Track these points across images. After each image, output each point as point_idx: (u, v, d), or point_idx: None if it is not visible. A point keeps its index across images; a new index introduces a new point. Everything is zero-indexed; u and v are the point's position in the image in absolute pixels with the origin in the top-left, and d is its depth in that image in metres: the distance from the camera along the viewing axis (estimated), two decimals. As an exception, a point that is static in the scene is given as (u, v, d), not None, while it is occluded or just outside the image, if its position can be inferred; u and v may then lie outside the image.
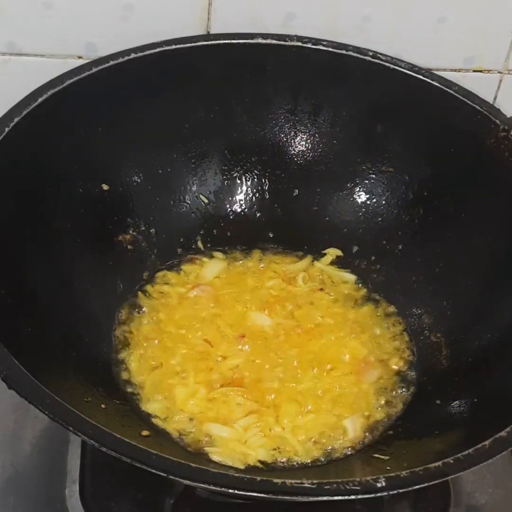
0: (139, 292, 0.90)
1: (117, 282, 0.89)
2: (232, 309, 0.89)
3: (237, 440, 0.79)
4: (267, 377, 0.84)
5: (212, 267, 0.93)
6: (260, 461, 0.77)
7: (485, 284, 0.86)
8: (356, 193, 0.96)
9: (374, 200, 0.95)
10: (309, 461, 0.79)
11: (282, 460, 0.78)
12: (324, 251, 0.96)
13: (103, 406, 0.74)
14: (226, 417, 0.80)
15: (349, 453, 0.80)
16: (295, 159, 0.96)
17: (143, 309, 0.89)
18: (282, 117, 0.95)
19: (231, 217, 0.97)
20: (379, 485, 0.60)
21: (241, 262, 0.95)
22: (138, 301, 0.89)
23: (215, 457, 0.77)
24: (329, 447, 0.80)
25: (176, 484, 0.78)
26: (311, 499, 0.61)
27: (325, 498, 0.60)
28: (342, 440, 0.80)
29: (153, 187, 0.92)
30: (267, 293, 0.92)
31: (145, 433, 0.75)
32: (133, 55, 0.87)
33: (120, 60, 0.87)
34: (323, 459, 0.79)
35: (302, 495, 0.60)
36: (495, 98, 1.02)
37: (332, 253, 0.96)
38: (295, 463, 0.78)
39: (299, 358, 0.86)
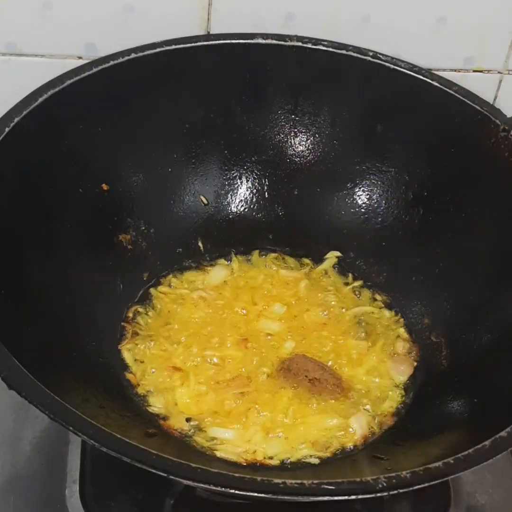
0: (141, 293, 0.90)
1: (117, 282, 0.89)
2: (234, 311, 0.89)
3: (241, 439, 0.79)
4: (271, 377, 0.84)
5: (215, 274, 0.93)
6: (266, 459, 0.78)
7: (485, 284, 0.86)
8: (356, 193, 0.96)
9: (374, 200, 0.95)
10: (316, 460, 0.79)
11: (288, 459, 0.78)
12: (325, 257, 0.96)
13: (103, 406, 0.74)
14: (229, 417, 0.80)
15: (359, 449, 0.80)
16: (295, 159, 0.96)
17: (145, 310, 0.89)
18: (282, 117, 0.95)
19: (231, 217, 0.97)
20: (379, 485, 0.60)
21: (242, 263, 0.95)
22: (139, 302, 0.90)
23: (220, 454, 0.77)
24: (336, 445, 0.80)
25: (176, 484, 0.78)
26: (311, 499, 0.61)
27: (325, 498, 0.60)
28: (349, 438, 0.80)
29: (153, 187, 0.92)
30: (268, 295, 0.92)
31: (150, 431, 0.75)
32: (133, 55, 0.87)
33: (120, 60, 0.87)
34: (330, 458, 0.79)
35: (302, 495, 0.60)
36: (495, 98, 1.02)
37: (332, 256, 0.96)
38: (302, 463, 0.78)
39: (302, 358, 0.86)
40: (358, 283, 0.94)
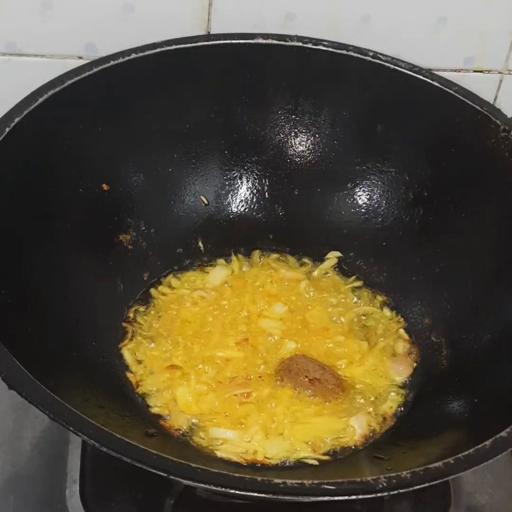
0: (142, 293, 0.90)
1: (117, 282, 0.89)
2: (234, 311, 0.89)
3: (241, 439, 0.79)
4: (271, 377, 0.84)
5: (216, 274, 0.93)
6: (266, 459, 0.78)
7: (485, 284, 0.86)
8: (356, 193, 0.96)
9: (374, 200, 0.95)
10: (316, 461, 0.78)
11: (288, 460, 0.78)
12: (325, 257, 0.96)
13: (103, 406, 0.74)
14: (230, 418, 0.80)
15: (359, 449, 0.80)
16: (295, 159, 0.96)
17: (145, 310, 0.89)
18: (282, 117, 0.95)
19: (231, 217, 0.97)
20: (379, 485, 0.60)
21: (242, 264, 0.95)
22: (140, 301, 0.90)
23: (220, 454, 0.77)
24: (337, 446, 0.80)
25: (176, 484, 0.78)
26: (311, 499, 0.61)
27: (325, 498, 0.60)
28: (349, 438, 0.80)
29: (153, 187, 0.92)
30: (269, 295, 0.92)
31: (150, 431, 0.75)
32: (133, 55, 0.87)
33: (120, 60, 0.87)
34: (330, 458, 0.79)
35: (302, 495, 0.60)
36: (495, 98, 1.02)
37: (333, 256, 0.96)
38: (302, 463, 0.78)
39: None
40: (358, 283, 0.94)
